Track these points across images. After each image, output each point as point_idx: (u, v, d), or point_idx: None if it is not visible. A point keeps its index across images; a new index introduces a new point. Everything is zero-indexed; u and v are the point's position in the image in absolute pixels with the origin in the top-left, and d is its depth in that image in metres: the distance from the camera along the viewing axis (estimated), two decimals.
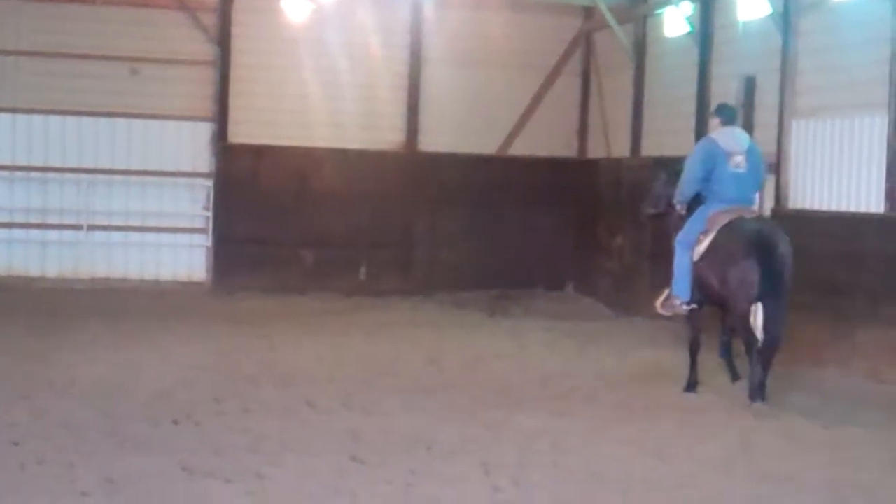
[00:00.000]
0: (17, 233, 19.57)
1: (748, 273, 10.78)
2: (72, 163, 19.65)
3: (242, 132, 19.97)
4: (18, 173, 19.54)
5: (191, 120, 19.92)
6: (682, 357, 12.14)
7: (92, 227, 19.70)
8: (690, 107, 16.87)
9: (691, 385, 11.63)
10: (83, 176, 19.62)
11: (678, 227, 11.74)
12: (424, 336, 15.23)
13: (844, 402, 11.24)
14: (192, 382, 11.51)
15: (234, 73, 19.94)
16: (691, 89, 16.87)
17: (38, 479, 7.83)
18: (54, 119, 19.54)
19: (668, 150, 16.15)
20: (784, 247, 10.87)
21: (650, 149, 18.18)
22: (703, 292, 11.45)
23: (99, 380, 11.47)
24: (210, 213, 19.93)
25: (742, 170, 11.42)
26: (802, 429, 10.09)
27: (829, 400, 11.33)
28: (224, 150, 19.92)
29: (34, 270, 19.54)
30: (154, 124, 19.81)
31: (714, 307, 11.81)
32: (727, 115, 11.73)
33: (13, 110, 19.40)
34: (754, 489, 8.16)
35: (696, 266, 11.38)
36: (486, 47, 20.48)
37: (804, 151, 14.42)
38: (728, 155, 11.39)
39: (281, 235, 19.73)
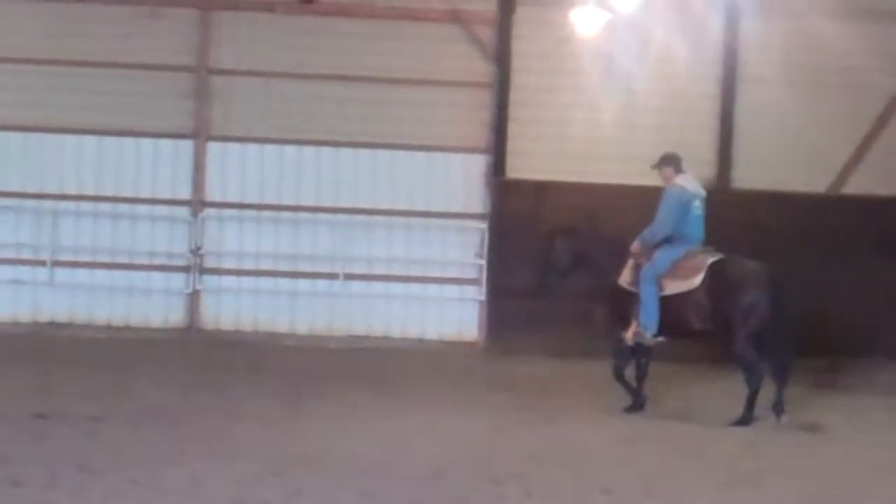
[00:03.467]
0: (265, 282, 20.37)
1: (762, 301, 14.31)
2: (327, 201, 20.35)
3: (522, 165, 20.42)
4: (266, 213, 20.32)
5: (462, 151, 20.39)
6: None
7: (349, 277, 20.36)
8: None
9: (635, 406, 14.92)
10: (339, 217, 20.32)
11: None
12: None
13: None
14: (466, 461, 11.83)
15: (514, 97, 20.41)
16: None
17: None
18: (308, 150, 20.31)
19: None
20: (782, 283, 14.43)
21: None
22: (678, 322, 14.59)
23: (358, 455, 11.90)
24: (484, 261, 20.34)
25: (700, 212, 14.85)
26: None
27: None
28: (501, 186, 20.34)
29: (282, 325, 20.28)
30: (420, 156, 20.39)
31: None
32: (678, 164, 14.98)
33: (262, 140, 20.23)
34: None
35: (673, 299, 14.54)
36: (816, 63, 20.39)
37: None
38: (692, 199, 14.78)
39: (567, 288, 19.82)
